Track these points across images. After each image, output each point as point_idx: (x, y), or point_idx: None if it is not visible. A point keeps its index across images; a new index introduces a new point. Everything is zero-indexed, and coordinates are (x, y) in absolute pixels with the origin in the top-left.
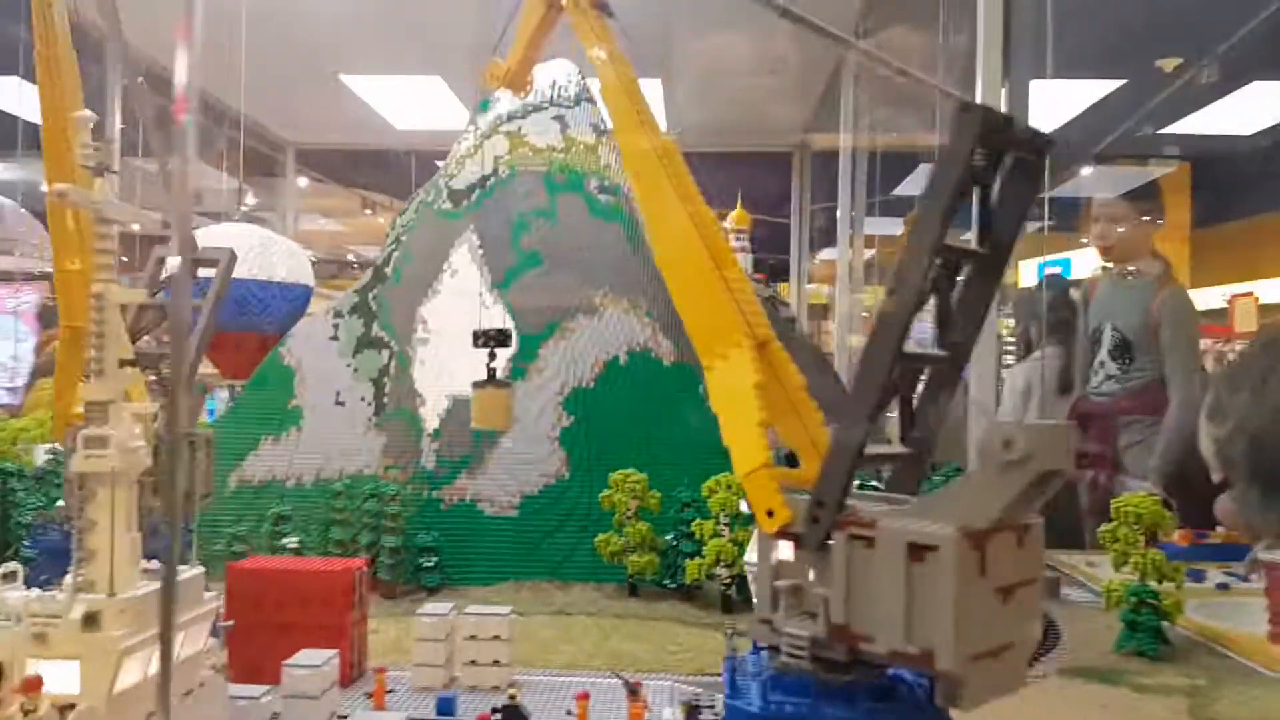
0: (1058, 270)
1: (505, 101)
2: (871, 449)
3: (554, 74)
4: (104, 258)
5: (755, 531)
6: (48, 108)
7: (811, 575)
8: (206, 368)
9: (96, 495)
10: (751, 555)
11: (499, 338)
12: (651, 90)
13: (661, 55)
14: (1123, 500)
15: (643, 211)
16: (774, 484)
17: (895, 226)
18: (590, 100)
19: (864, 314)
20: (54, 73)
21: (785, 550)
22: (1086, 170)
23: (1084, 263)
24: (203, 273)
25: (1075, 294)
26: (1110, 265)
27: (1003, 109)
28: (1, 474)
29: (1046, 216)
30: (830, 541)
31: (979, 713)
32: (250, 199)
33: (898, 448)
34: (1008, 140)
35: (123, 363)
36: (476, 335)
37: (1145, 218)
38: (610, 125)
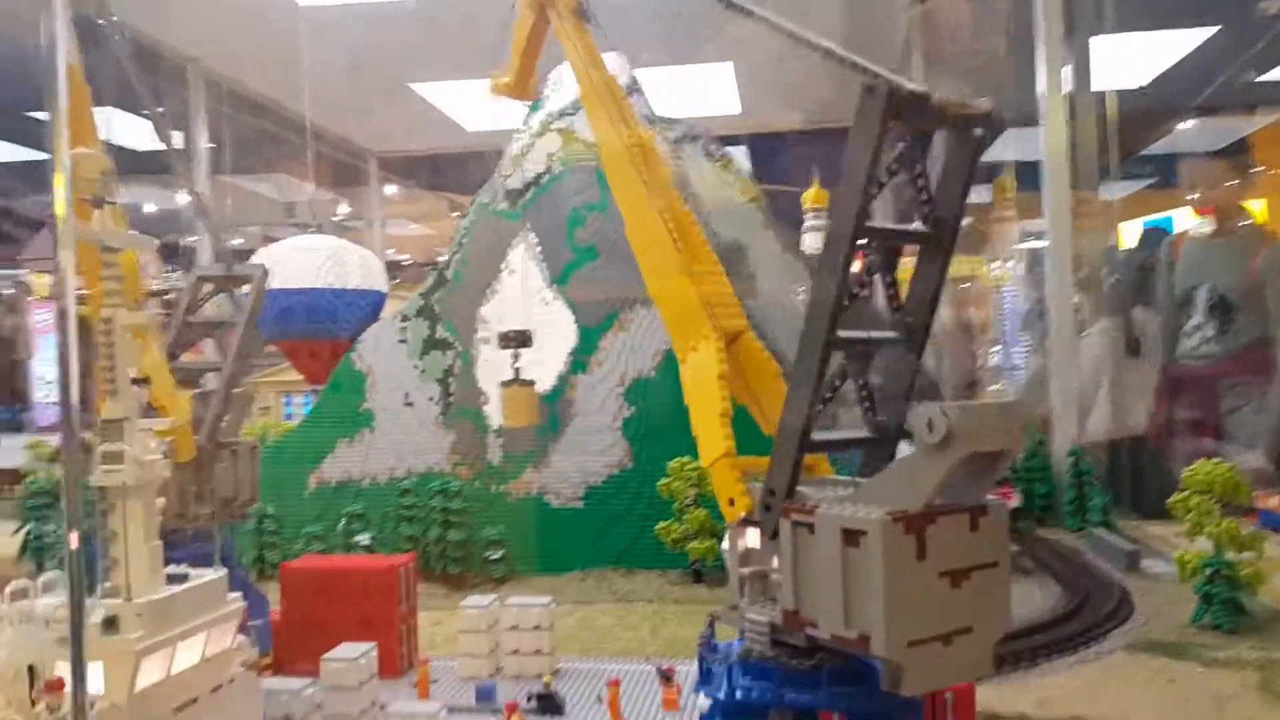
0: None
1: (556, 99)
2: (826, 435)
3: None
4: (110, 284)
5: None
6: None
7: (775, 562)
8: (292, 374)
9: (116, 507)
10: (726, 544)
11: (519, 338)
12: (723, 74)
13: (733, 38)
14: (1194, 469)
15: (619, 207)
16: (735, 473)
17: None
18: (639, 91)
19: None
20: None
21: (754, 538)
22: (1186, 123)
23: (1186, 220)
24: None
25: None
26: (1207, 226)
27: (1065, 68)
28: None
29: (1125, 173)
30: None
31: (1029, 688)
32: (344, 208)
33: (858, 432)
34: (931, 116)
35: (134, 381)
36: (500, 337)
37: (1240, 174)
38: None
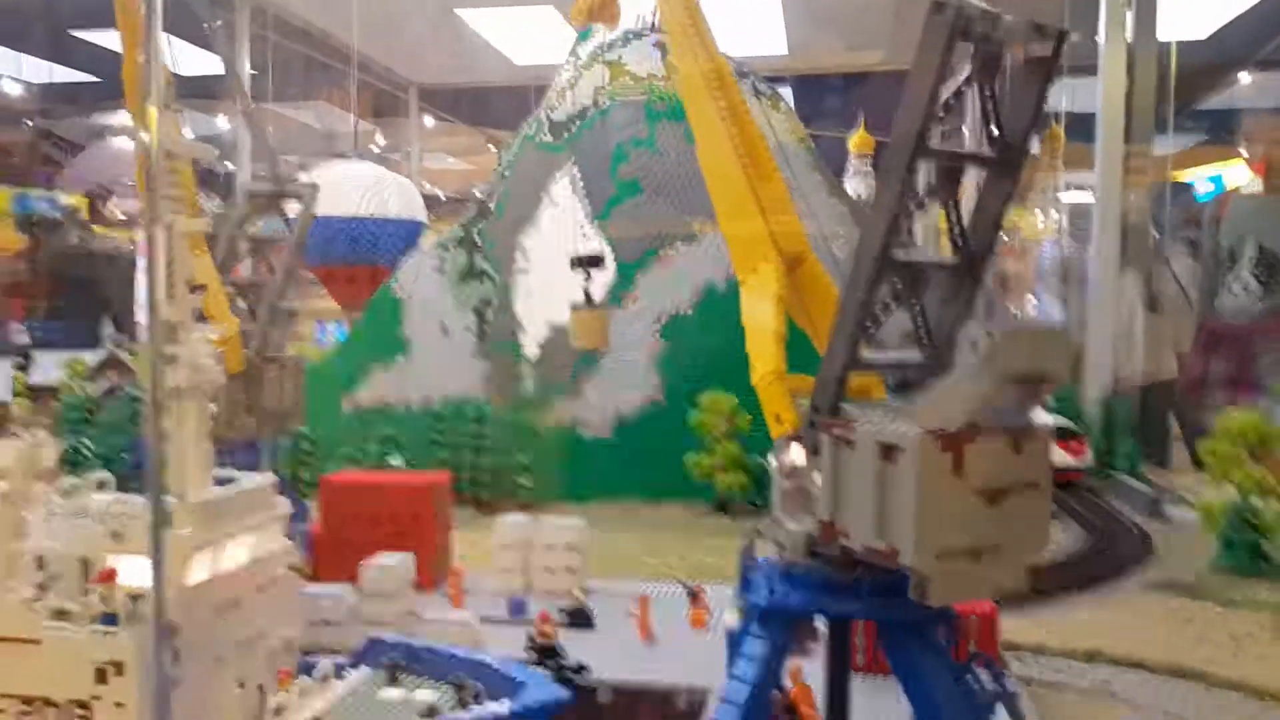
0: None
1: (605, 30)
2: (875, 356)
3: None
4: (171, 191)
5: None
6: (127, 49)
7: (816, 478)
8: (326, 300)
9: (169, 408)
10: (772, 459)
11: (592, 261)
12: (770, 10)
13: None
14: (1226, 417)
15: (694, 132)
16: (783, 390)
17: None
18: None
19: None
20: (128, 11)
21: (798, 454)
22: (1246, 78)
23: (1237, 177)
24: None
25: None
26: (1258, 183)
27: (1128, 14)
28: (135, 400)
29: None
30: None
31: (1048, 621)
32: (380, 139)
33: (909, 355)
34: (1000, 37)
35: (193, 287)
36: (572, 260)
37: None
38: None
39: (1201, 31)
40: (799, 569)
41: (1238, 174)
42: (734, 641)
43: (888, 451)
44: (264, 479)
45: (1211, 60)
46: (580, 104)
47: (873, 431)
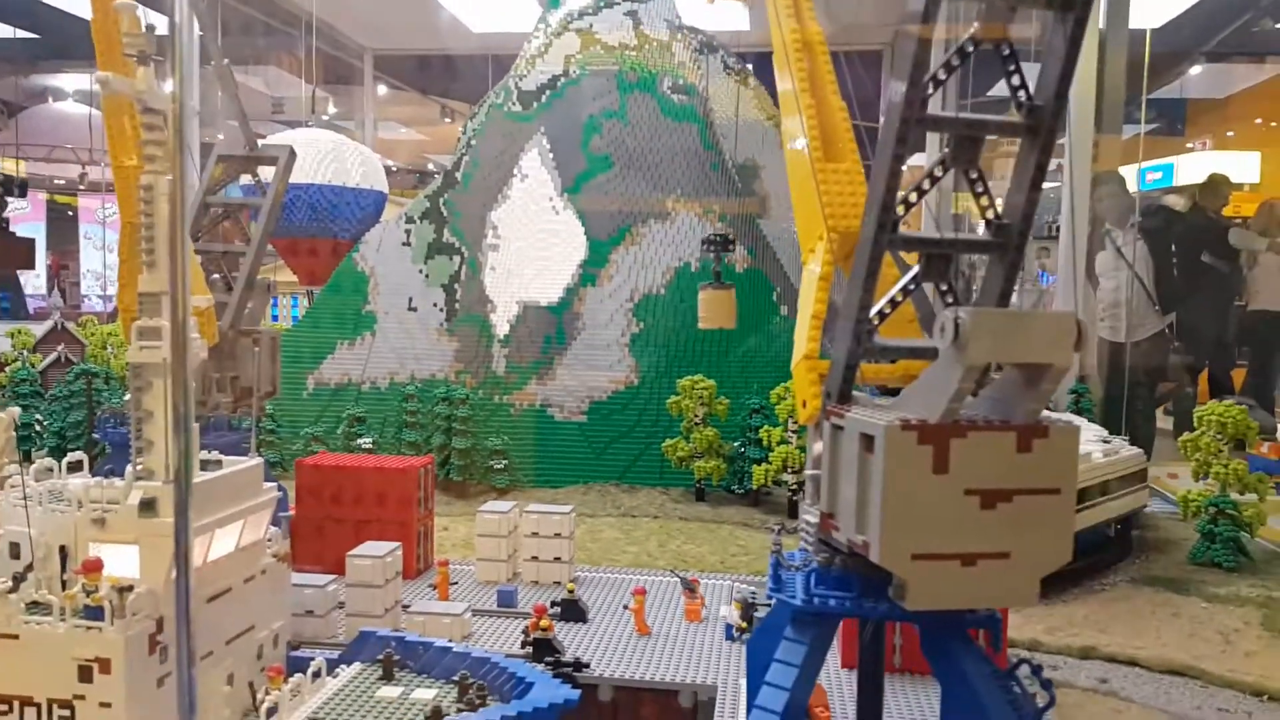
0: (1158, 176)
1: None
2: (888, 341)
3: None
4: (152, 148)
5: None
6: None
7: None
8: (286, 274)
9: (152, 386)
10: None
11: (722, 242)
12: None
13: None
14: (1207, 409)
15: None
16: (813, 375)
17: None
18: None
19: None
20: None
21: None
22: (1195, 69)
23: (1189, 168)
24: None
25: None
26: None
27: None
28: (88, 374)
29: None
30: None
31: (1038, 616)
32: (331, 108)
33: (930, 341)
34: None
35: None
36: (704, 240)
37: None
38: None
39: (1154, 21)
40: (836, 568)
41: (1192, 164)
42: (759, 644)
43: (868, 442)
44: (252, 463)
45: (1162, 51)
46: (550, 73)
47: (858, 420)
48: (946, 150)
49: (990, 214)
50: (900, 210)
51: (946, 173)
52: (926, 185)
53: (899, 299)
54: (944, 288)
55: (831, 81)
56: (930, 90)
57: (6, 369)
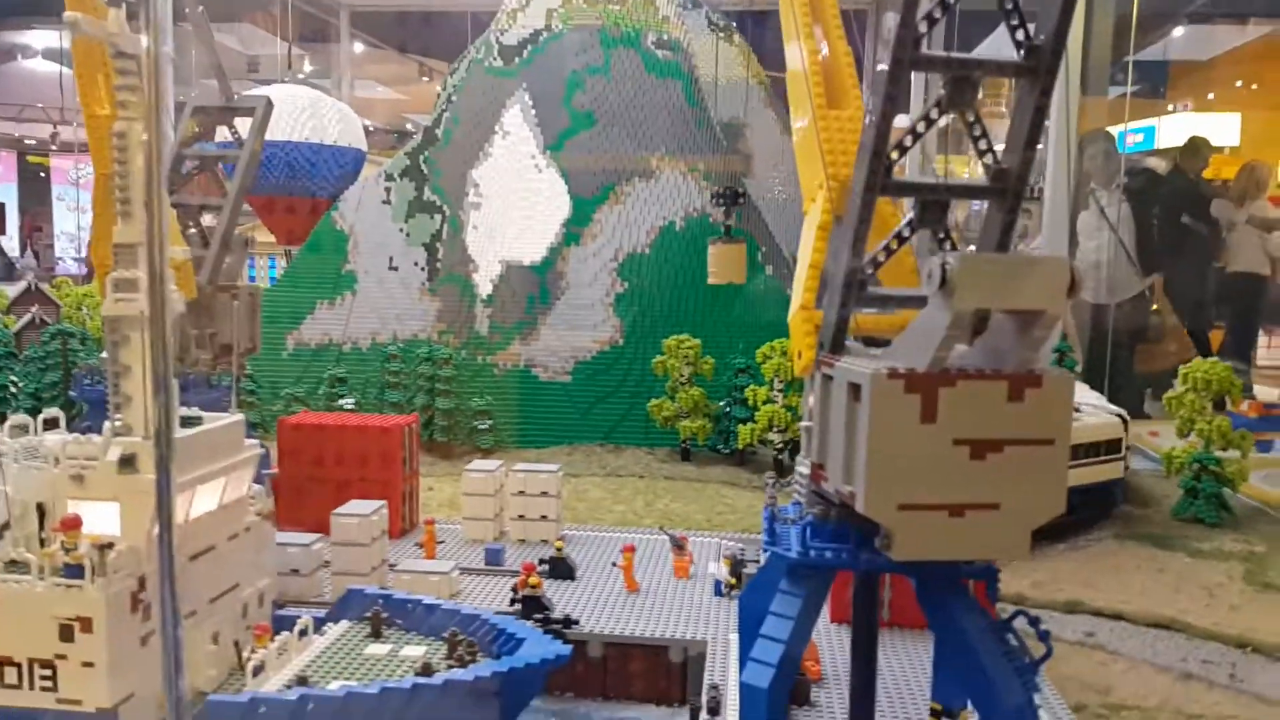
0: (1139, 139)
1: None
2: (882, 290)
3: None
4: (125, 94)
5: None
6: None
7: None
8: (264, 234)
9: (130, 340)
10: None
11: (732, 196)
12: None
13: None
14: (1192, 366)
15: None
16: (809, 326)
17: None
18: None
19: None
20: None
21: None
22: (1178, 30)
23: (1171, 130)
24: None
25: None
26: None
27: None
28: (63, 334)
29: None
30: None
31: (1024, 571)
32: (307, 65)
33: (923, 290)
34: None
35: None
36: (714, 194)
37: None
38: None
39: None
40: (831, 521)
41: (1175, 125)
42: (751, 599)
43: (855, 391)
44: (233, 419)
45: (1147, 12)
46: (532, 27)
47: (845, 369)
48: (942, 92)
49: (989, 159)
50: (894, 155)
51: (942, 115)
52: (922, 128)
53: (894, 246)
54: (941, 235)
55: (837, 26)
56: (924, 30)
57: None
